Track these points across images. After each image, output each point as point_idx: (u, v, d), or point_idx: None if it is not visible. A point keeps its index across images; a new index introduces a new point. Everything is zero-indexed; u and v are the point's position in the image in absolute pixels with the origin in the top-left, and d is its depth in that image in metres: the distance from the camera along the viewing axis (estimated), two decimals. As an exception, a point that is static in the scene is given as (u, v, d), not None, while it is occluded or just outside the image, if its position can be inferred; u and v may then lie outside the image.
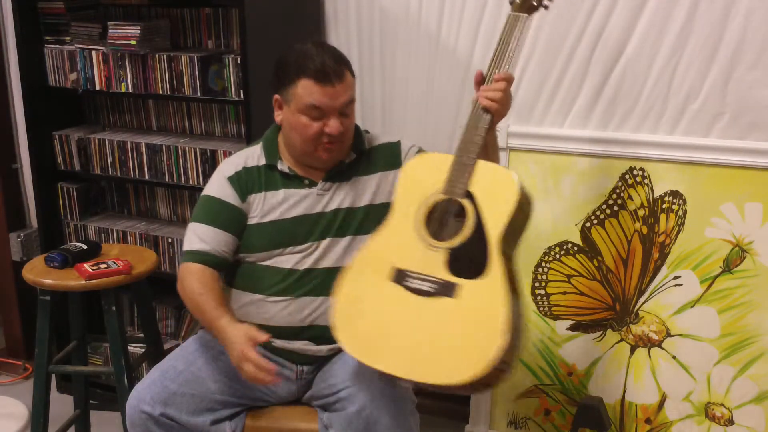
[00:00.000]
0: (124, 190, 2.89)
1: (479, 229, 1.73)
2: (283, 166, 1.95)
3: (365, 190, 1.97)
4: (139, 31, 2.44)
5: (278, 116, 1.93)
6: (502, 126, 2.38)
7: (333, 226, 1.94)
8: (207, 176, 2.50)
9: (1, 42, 3.02)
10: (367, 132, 2.07)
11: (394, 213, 1.85)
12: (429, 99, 2.52)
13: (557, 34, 2.30)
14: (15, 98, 3.07)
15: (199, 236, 1.93)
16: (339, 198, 1.95)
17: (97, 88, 2.60)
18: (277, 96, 1.91)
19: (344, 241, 1.94)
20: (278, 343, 1.94)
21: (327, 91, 1.82)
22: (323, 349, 1.94)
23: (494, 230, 1.71)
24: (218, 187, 1.96)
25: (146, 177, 2.62)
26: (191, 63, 2.42)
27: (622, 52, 2.25)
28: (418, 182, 1.83)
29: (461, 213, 1.77)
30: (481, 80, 1.83)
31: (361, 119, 2.61)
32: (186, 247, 1.95)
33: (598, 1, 2.23)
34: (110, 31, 2.49)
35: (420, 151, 2.03)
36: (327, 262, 1.93)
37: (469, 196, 1.76)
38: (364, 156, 2.00)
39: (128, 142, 2.62)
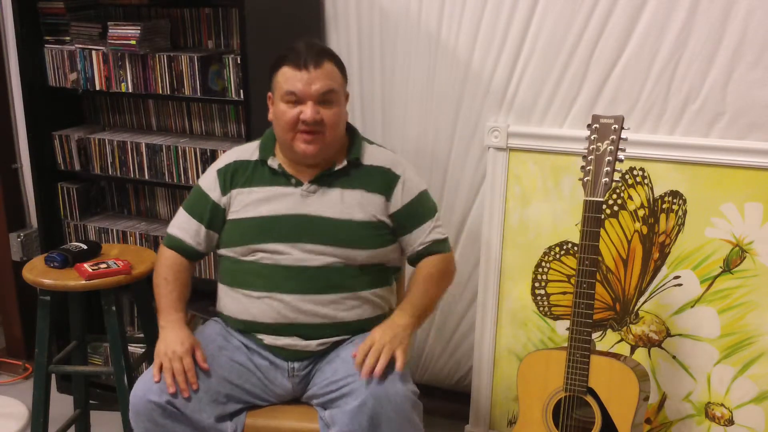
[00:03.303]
0: (124, 190, 2.89)
1: (607, 423, 1.96)
2: (273, 162, 1.96)
3: (351, 205, 1.95)
4: (139, 31, 2.44)
5: (270, 114, 1.96)
6: (501, 126, 2.39)
7: (314, 231, 1.93)
8: (207, 176, 2.51)
9: (1, 42, 3.02)
10: (371, 143, 2.05)
11: (521, 414, 2.08)
12: (429, 99, 2.52)
13: (557, 34, 2.30)
14: (15, 98, 3.07)
15: (180, 222, 2.05)
16: (323, 204, 1.94)
17: (97, 88, 2.59)
18: (269, 93, 1.96)
19: (324, 249, 1.92)
20: (266, 339, 1.95)
21: (302, 76, 1.85)
22: (312, 344, 1.94)
23: (623, 425, 1.94)
24: (207, 179, 2.02)
25: (146, 177, 2.62)
26: (191, 63, 2.42)
27: (622, 52, 2.25)
28: (536, 381, 2.05)
29: (584, 406, 1.99)
30: None
31: (361, 119, 2.61)
32: (169, 227, 2.07)
33: (598, 1, 2.23)
34: (110, 31, 2.49)
35: (421, 193, 2.01)
36: (309, 263, 1.92)
37: (591, 391, 1.97)
38: (360, 168, 1.98)
39: (128, 142, 2.62)
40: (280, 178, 1.96)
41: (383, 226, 1.97)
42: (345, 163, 1.96)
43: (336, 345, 1.96)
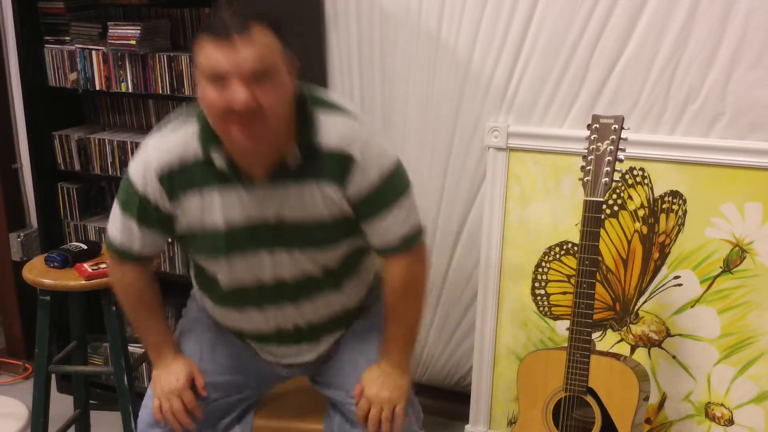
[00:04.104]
0: (124, 190, 2.89)
1: (607, 423, 1.96)
2: (220, 159, 1.59)
3: (312, 200, 1.63)
4: (139, 31, 2.44)
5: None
6: (501, 126, 2.39)
7: (278, 236, 1.66)
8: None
9: (1, 42, 3.02)
10: (325, 106, 1.64)
11: (521, 414, 2.08)
12: (429, 99, 2.52)
13: (557, 34, 2.30)
14: (15, 98, 3.07)
15: (121, 228, 1.72)
16: (282, 205, 1.64)
17: (97, 88, 2.59)
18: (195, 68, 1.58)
19: (293, 254, 1.68)
20: (261, 352, 1.87)
21: (225, 49, 1.44)
22: (308, 354, 1.84)
23: (623, 425, 1.93)
24: (143, 179, 1.65)
25: (146, 177, 2.62)
26: (191, 63, 2.42)
27: (622, 52, 2.25)
28: (536, 381, 2.05)
29: (584, 406, 1.99)
30: None
31: (361, 119, 2.61)
32: (110, 233, 1.76)
33: (598, 1, 2.23)
34: (110, 31, 2.49)
35: (385, 175, 1.64)
36: (281, 273, 1.71)
37: (591, 391, 1.97)
38: (316, 154, 1.60)
39: (128, 142, 2.62)
40: (230, 177, 1.61)
41: (348, 218, 1.68)
42: (298, 155, 1.59)
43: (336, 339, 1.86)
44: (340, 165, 1.61)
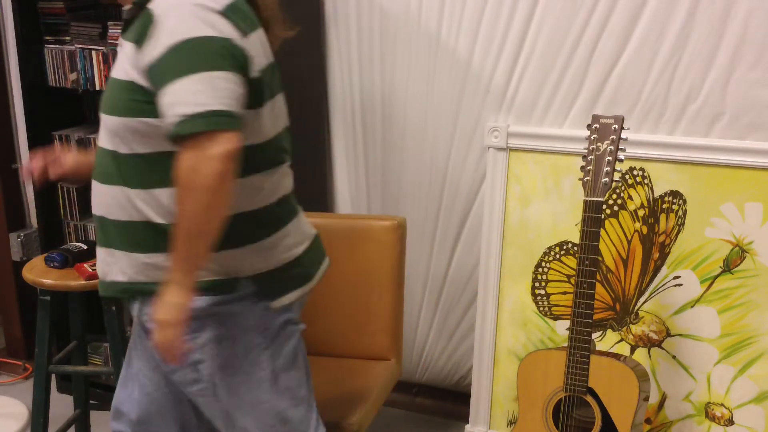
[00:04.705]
0: (124, 190, 2.89)
1: (607, 423, 1.97)
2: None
3: (119, 58, 1.52)
4: (139, 31, 2.44)
5: None
6: (501, 126, 2.39)
7: (104, 97, 1.55)
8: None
9: (1, 42, 3.02)
10: None
11: (521, 414, 2.09)
12: (429, 99, 2.52)
13: (557, 34, 2.30)
14: (15, 98, 3.07)
15: None
16: (118, 62, 1.54)
17: (97, 88, 2.60)
18: None
19: (104, 120, 1.54)
20: None
21: None
22: (107, 273, 1.65)
23: (623, 425, 1.94)
24: None
25: (146, 177, 2.62)
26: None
27: (622, 52, 2.25)
28: (536, 381, 2.06)
29: (584, 406, 2.00)
30: None
31: (361, 119, 2.61)
32: None
33: (598, 1, 2.23)
34: (110, 31, 2.50)
35: (181, 41, 1.38)
36: (99, 139, 1.58)
37: (591, 391, 1.98)
38: (138, 15, 1.47)
39: (128, 142, 2.62)
40: None
41: (138, 88, 1.45)
42: (125, 9, 1.52)
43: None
44: (143, 25, 1.43)
